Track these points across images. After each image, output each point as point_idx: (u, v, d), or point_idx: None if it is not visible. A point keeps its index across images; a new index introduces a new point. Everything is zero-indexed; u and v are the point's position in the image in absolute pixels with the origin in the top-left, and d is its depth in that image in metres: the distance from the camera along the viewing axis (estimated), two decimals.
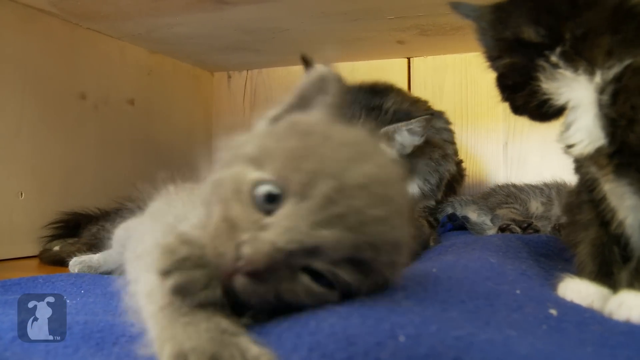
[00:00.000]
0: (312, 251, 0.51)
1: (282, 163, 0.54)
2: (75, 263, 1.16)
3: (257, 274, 0.50)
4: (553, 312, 0.68)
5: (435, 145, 1.61)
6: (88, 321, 0.70)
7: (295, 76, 2.30)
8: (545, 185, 1.70)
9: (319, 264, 0.52)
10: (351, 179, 0.53)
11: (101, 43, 1.89)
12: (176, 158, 2.23)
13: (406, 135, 1.48)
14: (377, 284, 0.57)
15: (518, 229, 1.39)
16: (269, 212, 0.53)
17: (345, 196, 0.52)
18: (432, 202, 1.65)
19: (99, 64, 1.89)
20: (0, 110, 1.53)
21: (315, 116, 0.64)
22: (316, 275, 0.53)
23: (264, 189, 0.53)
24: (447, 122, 1.74)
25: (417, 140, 1.49)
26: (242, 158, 0.57)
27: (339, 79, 0.65)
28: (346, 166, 0.54)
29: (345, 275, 0.53)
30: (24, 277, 1.10)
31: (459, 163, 1.77)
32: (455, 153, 1.73)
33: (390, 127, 1.47)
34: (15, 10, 1.58)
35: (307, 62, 1.56)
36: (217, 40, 1.98)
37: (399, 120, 1.48)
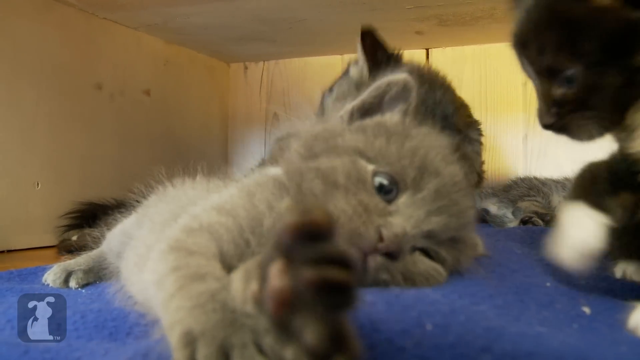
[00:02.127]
0: (426, 234, 0.64)
1: (394, 160, 0.66)
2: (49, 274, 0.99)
3: (393, 253, 0.59)
4: (586, 310, 0.66)
5: (466, 158, 1.55)
6: (102, 310, 0.69)
7: (312, 67, 2.29)
8: (567, 179, 1.67)
9: (428, 244, 0.65)
10: (447, 177, 0.67)
11: (117, 33, 1.88)
12: (192, 148, 2.23)
13: None
14: (459, 259, 0.69)
15: (541, 222, 1.36)
16: (388, 201, 0.64)
17: (447, 190, 0.66)
18: None
19: (115, 54, 1.88)
20: (16, 101, 1.52)
21: (397, 119, 0.75)
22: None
23: (378, 180, 0.65)
24: (480, 134, 1.68)
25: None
26: (349, 151, 0.67)
27: (416, 88, 0.76)
28: (442, 165, 0.68)
29: (444, 253, 0.66)
30: (40, 266, 1.10)
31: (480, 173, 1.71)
32: (481, 165, 1.68)
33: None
34: (32, 0, 1.57)
35: (366, 37, 1.45)
36: (233, 31, 1.96)
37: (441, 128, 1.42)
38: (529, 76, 0.84)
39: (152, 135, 2.05)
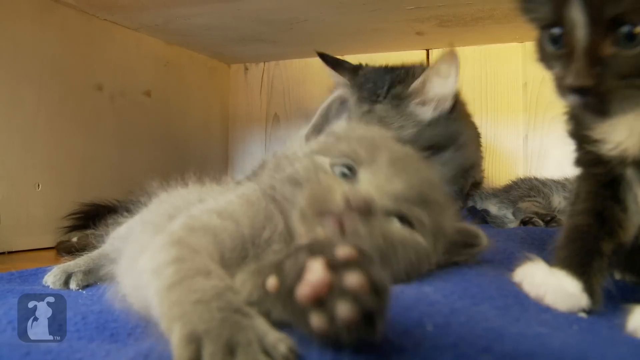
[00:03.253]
0: (394, 197, 0.68)
1: (346, 149, 0.73)
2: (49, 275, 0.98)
3: (364, 213, 0.63)
4: (583, 314, 0.66)
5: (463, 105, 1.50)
6: (103, 311, 0.69)
7: (312, 68, 2.28)
8: (567, 180, 1.67)
9: (401, 207, 0.68)
10: (396, 152, 0.74)
11: (118, 34, 1.88)
12: (192, 149, 2.23)
13: (439, 83, 1.38)
14: (441, 223, 0.74)
15: (541, 223, 1.36)
16: (350, 182, 0.69)
17: (398, 160, 0.72)
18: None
19: (116, 55, 1.88)
20: (17, 102, 1.53)
21: (343, 124, 0.85)
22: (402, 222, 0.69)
23: (337, 170, 0.71)
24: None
25: (452, 86, 1.38)
26: (306, 154, 0.75)
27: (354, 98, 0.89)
28: (389, 145, 0.75)
29: (419, 213, 0.69)
30: (40, 267, 1.10)
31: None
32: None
33: (419, 80, 1.37)
34: (33, 2, 1.57)
35: (325, 58, 1.54)
36: (234, 32, 1.96)
37: None
38: (568, 23, 0.66)
39: (152, 136, 2.05)
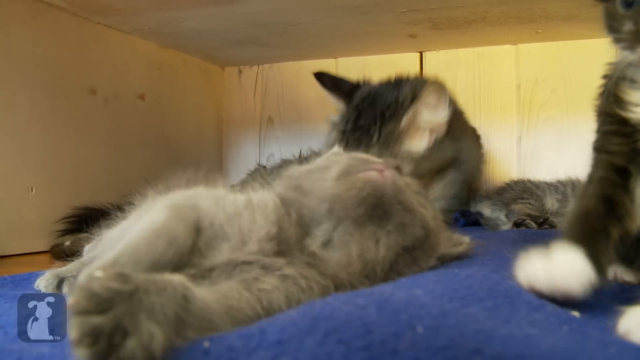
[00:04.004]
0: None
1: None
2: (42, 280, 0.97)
3: (398, 167, 0.80)
4: (575, 313, 0.66)
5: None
6: None
7: (306, 71, 2.29)
8: (560, 182, 1.68)
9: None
10: None
11: (111, 38, 1.88)
12: (186, 152, 2.23)
13: (428, 115, 1.35)
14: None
15: (534, 225, 1.36)
16: None
17: None
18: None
19: (109, 58, 1.88)
20: (10, 105, 1.52)
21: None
22: None
23: None
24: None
25: (442, 115, 1.36)
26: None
27: None
28: None
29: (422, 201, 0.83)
30: (34, 271, 1.09)
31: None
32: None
33: (409, 114, 1.35)
34: (26, 5, 1.57)
35: (322, 79, 1.57)
36: (227, 35, 1.97)
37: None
38: None
39: (146, 140, 2.05)
